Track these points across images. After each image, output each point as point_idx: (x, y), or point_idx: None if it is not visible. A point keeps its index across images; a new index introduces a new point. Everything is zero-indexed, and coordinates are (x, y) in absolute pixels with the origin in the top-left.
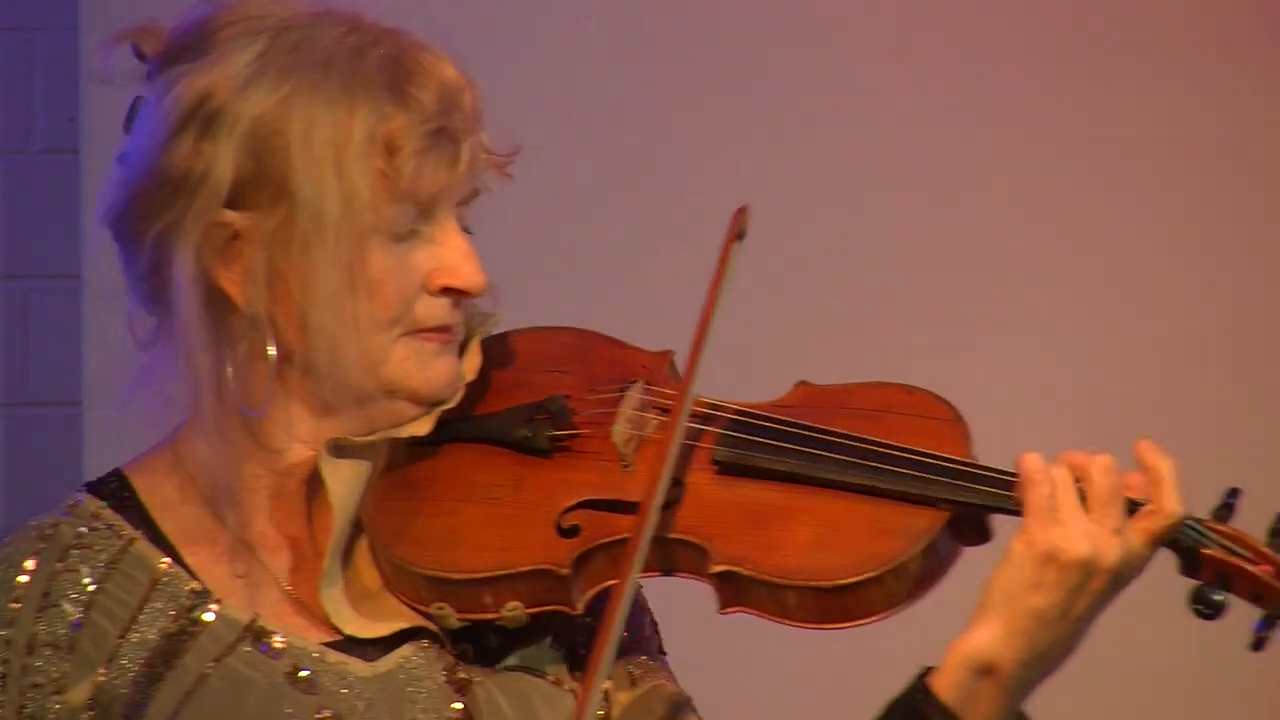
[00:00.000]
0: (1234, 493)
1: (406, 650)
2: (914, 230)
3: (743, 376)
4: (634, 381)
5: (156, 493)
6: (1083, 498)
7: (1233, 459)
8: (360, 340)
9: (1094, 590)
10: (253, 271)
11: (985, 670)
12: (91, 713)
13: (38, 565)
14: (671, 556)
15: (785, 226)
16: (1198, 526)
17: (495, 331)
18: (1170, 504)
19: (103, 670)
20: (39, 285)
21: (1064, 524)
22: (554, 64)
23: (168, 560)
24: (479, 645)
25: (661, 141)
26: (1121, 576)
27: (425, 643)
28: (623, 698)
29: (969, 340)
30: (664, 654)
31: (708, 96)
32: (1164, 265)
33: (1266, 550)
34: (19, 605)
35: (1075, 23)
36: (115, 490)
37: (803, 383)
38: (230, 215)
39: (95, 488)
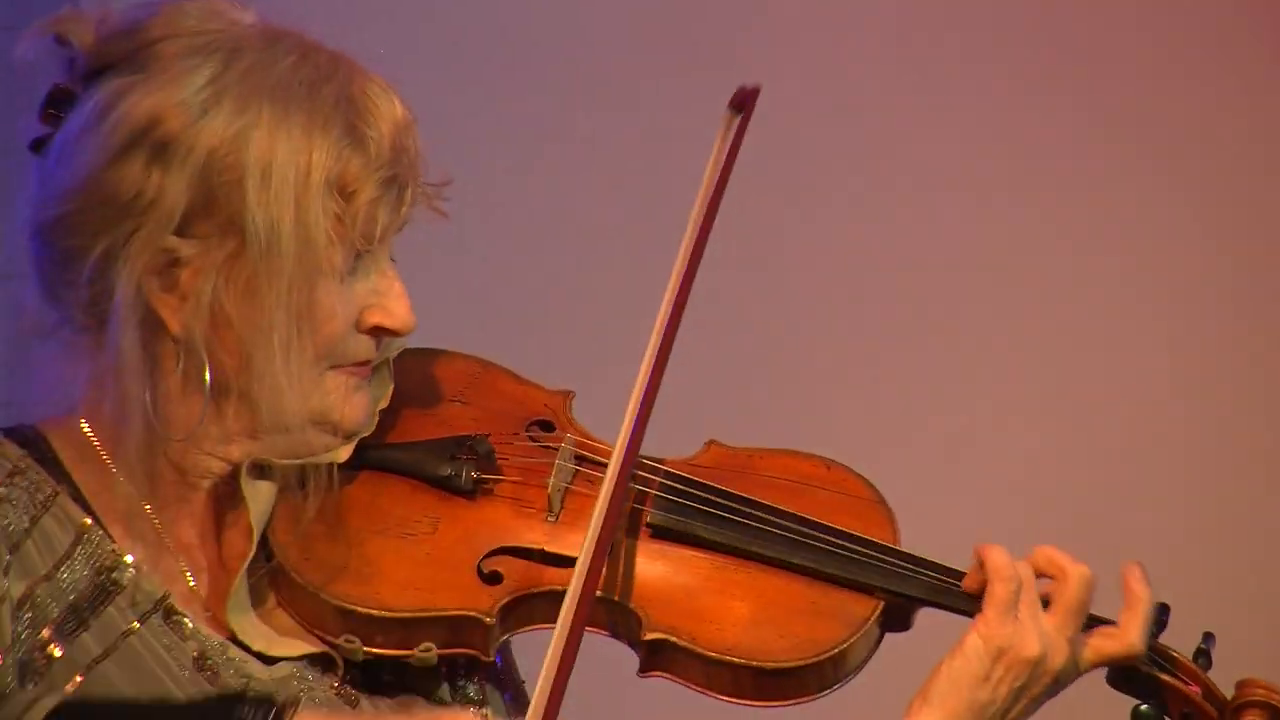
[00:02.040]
0: (1164, 608)
1: (299, 665)
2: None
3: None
4: (550, 428)
5: (76, 461)
6: (1045, 600)
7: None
8: (301, 373)
9: (1034, 693)
10: (193, 300)
11: None
12: (16, 615)
13: None
14: (605, 616)
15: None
16: (1157, 657)
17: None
18: (1135, 637)
19: (39, 583)
20: None
21: (1023, 623)
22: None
23: (90, 520)
24: (368, 675)
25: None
26: (1061, 683)
27: (315, 663)
28: None
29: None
30: (523, 681)
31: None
32: (1163, 271)
33: (1196, 670)
34: None
35: (1076, 21)
36: (33, 441)
37: (713, 442)
38: (176, 242)
39: (12, 434)
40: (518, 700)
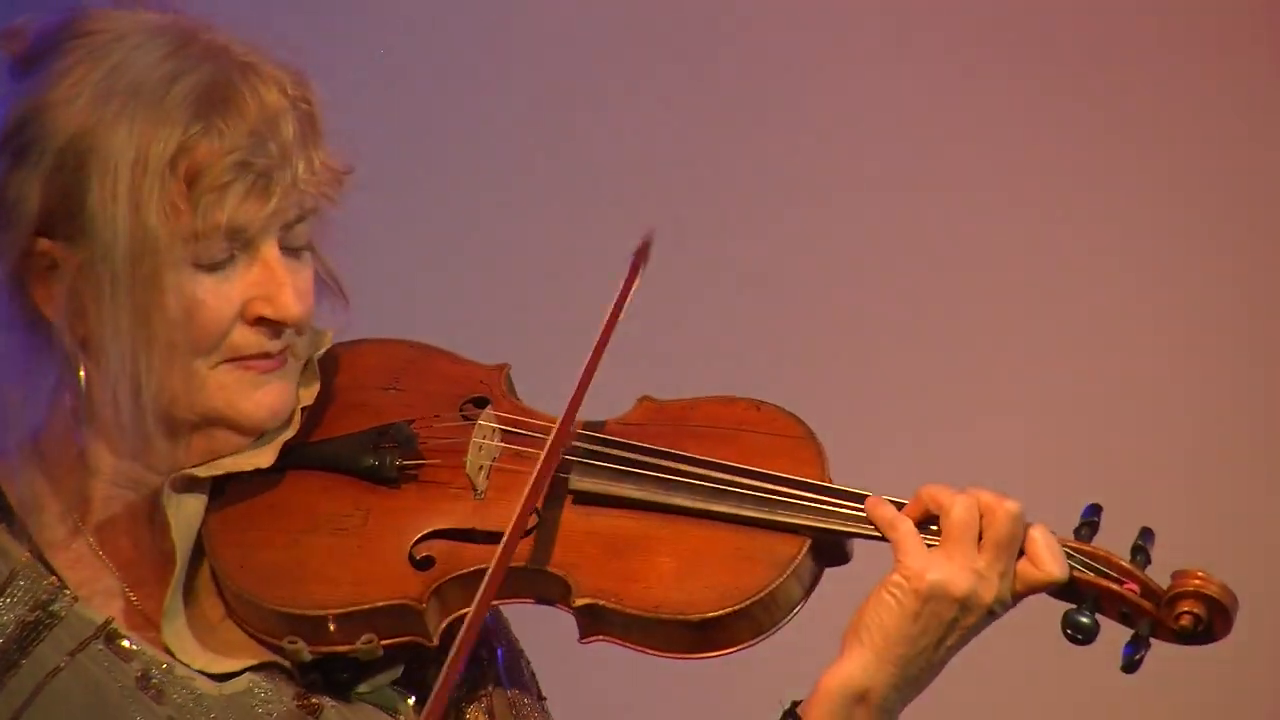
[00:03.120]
0: (1094, 509)
1: (255, 676)
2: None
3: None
4: (484, 403)
5: (19, 491)
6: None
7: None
8: (167, 371)
9: (967, 624)
10: (69, 299)
11: (859, 698)
12: None
13: None
14: (534, 587)
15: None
16: (1089, 561)
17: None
18: (1053, 565)
19: None
20: None
21: (951, 560)
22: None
23: (28, 554)
24: (328, 676)
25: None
26: (996, 614)
27: (273, 670)
28: None
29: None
30: (544, 699)
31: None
32: (1161, 270)
33: (1130, 568)
34: None
35: (1075, 23)
36: None
37: (646, 398)
38: (45, 244)
39: None
40: (511, 670)
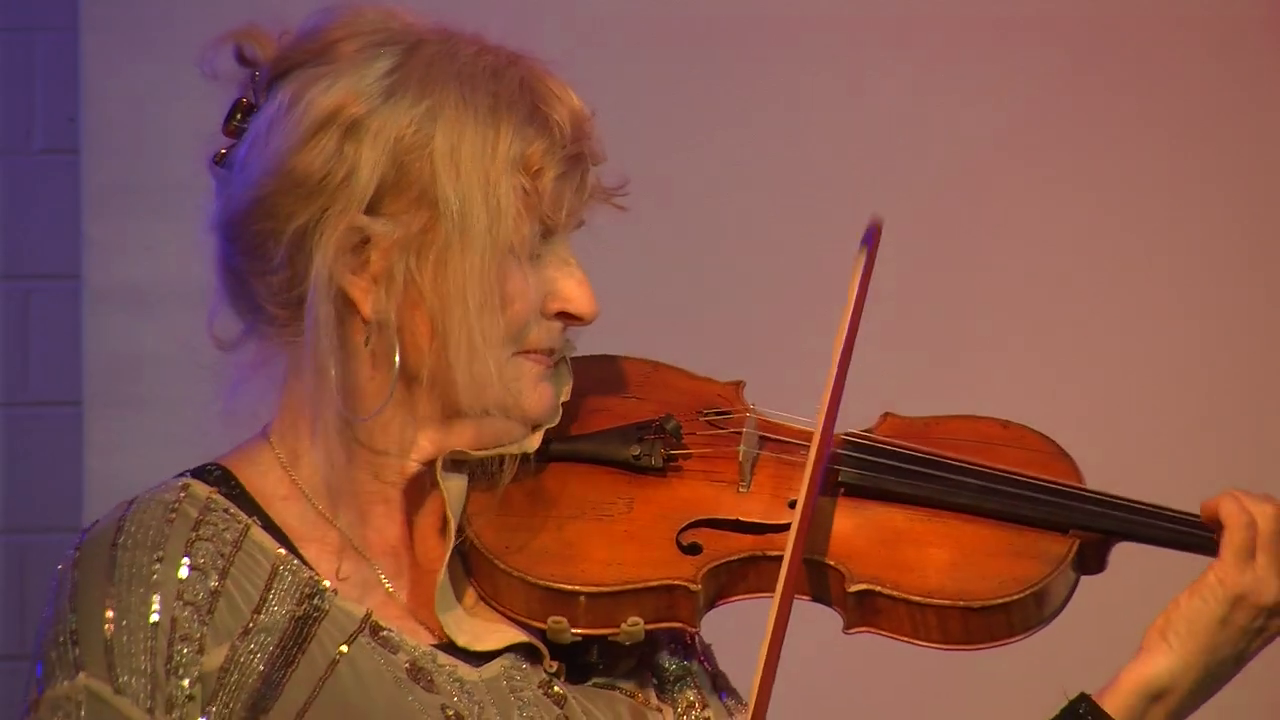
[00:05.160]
0: None
1: (505, 661)
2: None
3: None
4: (726, 415)
5: (261, 487)
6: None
7: (1234, 459)
8: (472, 356)
9: (1269, 633)
10: (384, 278)
11: (1157, 697)
12: (221, 680)
13: (174, 531)
14: (809, 579)
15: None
16: None
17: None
18: None
19: (237, 642)
20: (39, 285)
21: (1261, 568)
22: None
23: (283, 550)
24: (573, 662)
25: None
26: None
27: (522, 656)
28: None
29: (976, 349)
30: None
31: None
32: (1162, 267)
33: None
34: (162, 563)
35: (1075, 24)
36: (221, 479)
37: (889, 414)
38: (367, 221)
39: (199, 474)
40: (717, 679)
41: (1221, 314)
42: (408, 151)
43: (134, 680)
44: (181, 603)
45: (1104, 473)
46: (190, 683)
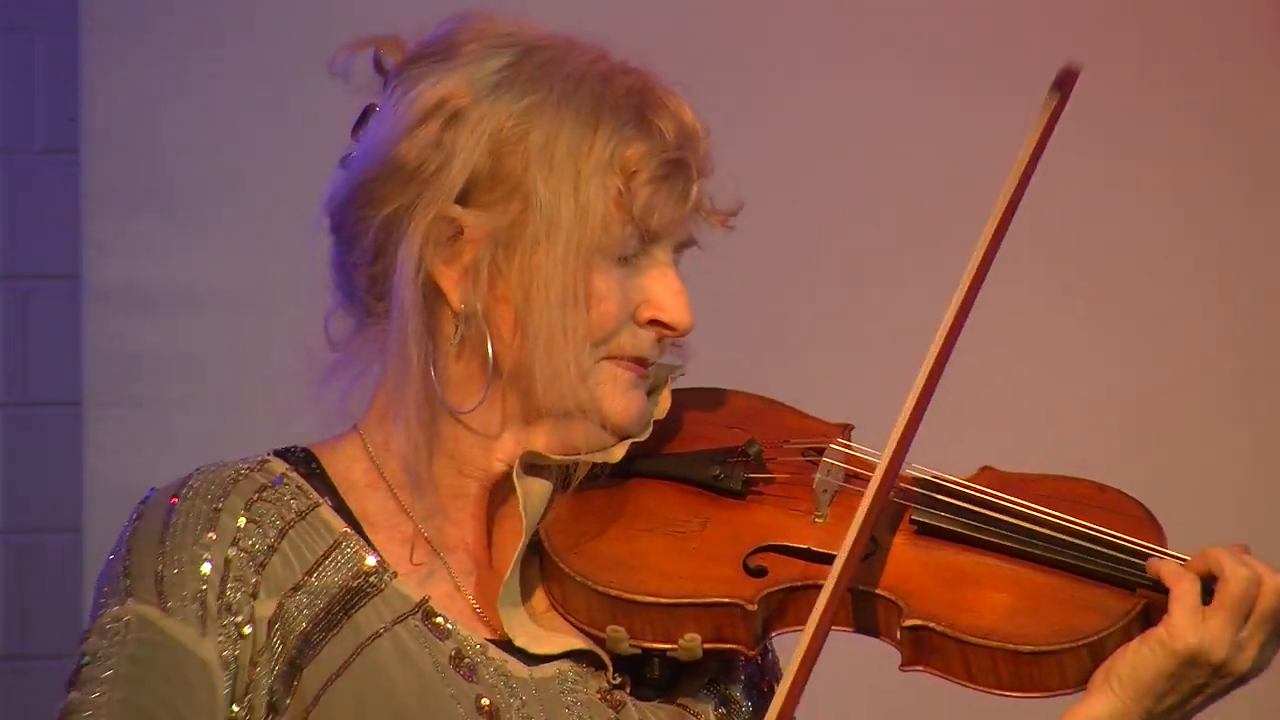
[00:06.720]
0: None
1: (565, 665)
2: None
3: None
4: (833, 443)
5: (343, 473)
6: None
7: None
8: (562, 354)
9: (1214, 691)
10: (473, 269)
11: None
12: (269, 634)
13: (236, 490)
14: (863, 611)
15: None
16: None
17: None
18: None
19: (285, 599)
20: (39, 285)
21: (1218, 628)
22: None
23: (349, 529)
24: (636, 676)
25: None
26: (1244, 681)
27: (585, 663)
28: None
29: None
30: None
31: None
32: (1169, 268)
33: None
34: (220, 512)
35: (1074, 23)
36: (303, 459)
37: (988, 467)
38: (459, 211)
39: (282, 454)
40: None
41: (1223, 315)
42: (504, 144)
43: (183, 606)
44: (237, 548)
45: (1110, 474)
46: (244, 619)
